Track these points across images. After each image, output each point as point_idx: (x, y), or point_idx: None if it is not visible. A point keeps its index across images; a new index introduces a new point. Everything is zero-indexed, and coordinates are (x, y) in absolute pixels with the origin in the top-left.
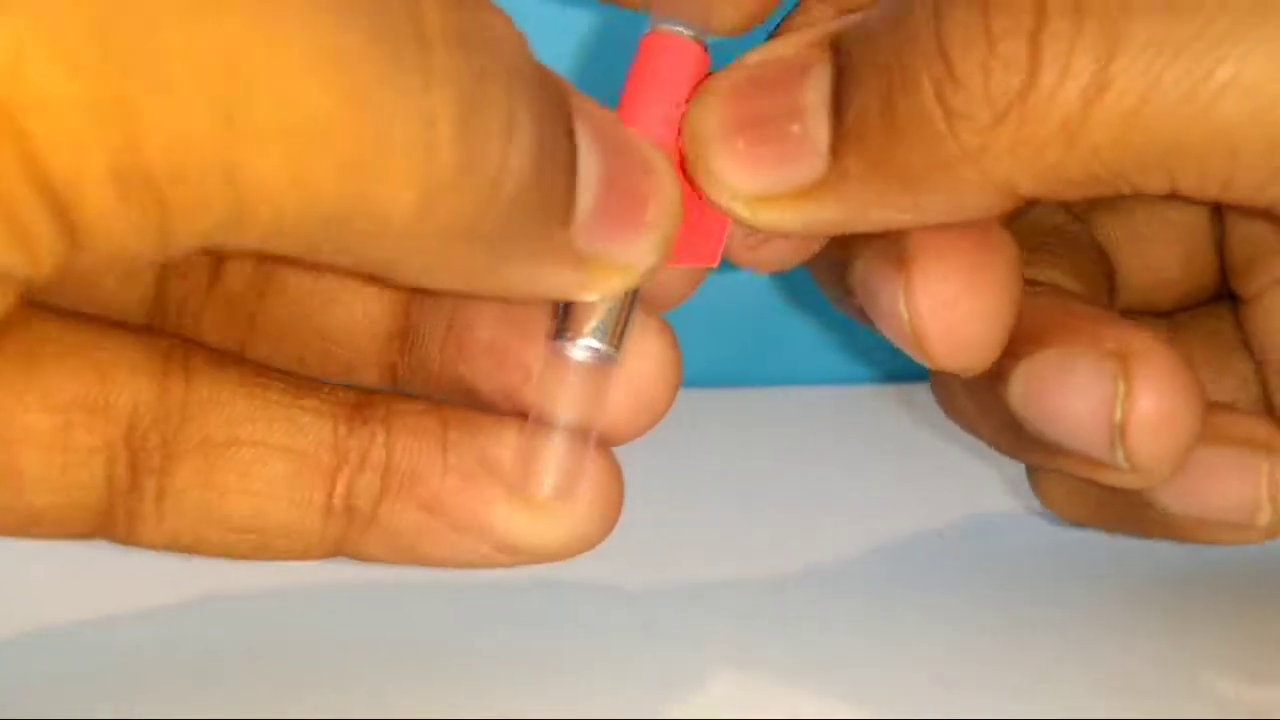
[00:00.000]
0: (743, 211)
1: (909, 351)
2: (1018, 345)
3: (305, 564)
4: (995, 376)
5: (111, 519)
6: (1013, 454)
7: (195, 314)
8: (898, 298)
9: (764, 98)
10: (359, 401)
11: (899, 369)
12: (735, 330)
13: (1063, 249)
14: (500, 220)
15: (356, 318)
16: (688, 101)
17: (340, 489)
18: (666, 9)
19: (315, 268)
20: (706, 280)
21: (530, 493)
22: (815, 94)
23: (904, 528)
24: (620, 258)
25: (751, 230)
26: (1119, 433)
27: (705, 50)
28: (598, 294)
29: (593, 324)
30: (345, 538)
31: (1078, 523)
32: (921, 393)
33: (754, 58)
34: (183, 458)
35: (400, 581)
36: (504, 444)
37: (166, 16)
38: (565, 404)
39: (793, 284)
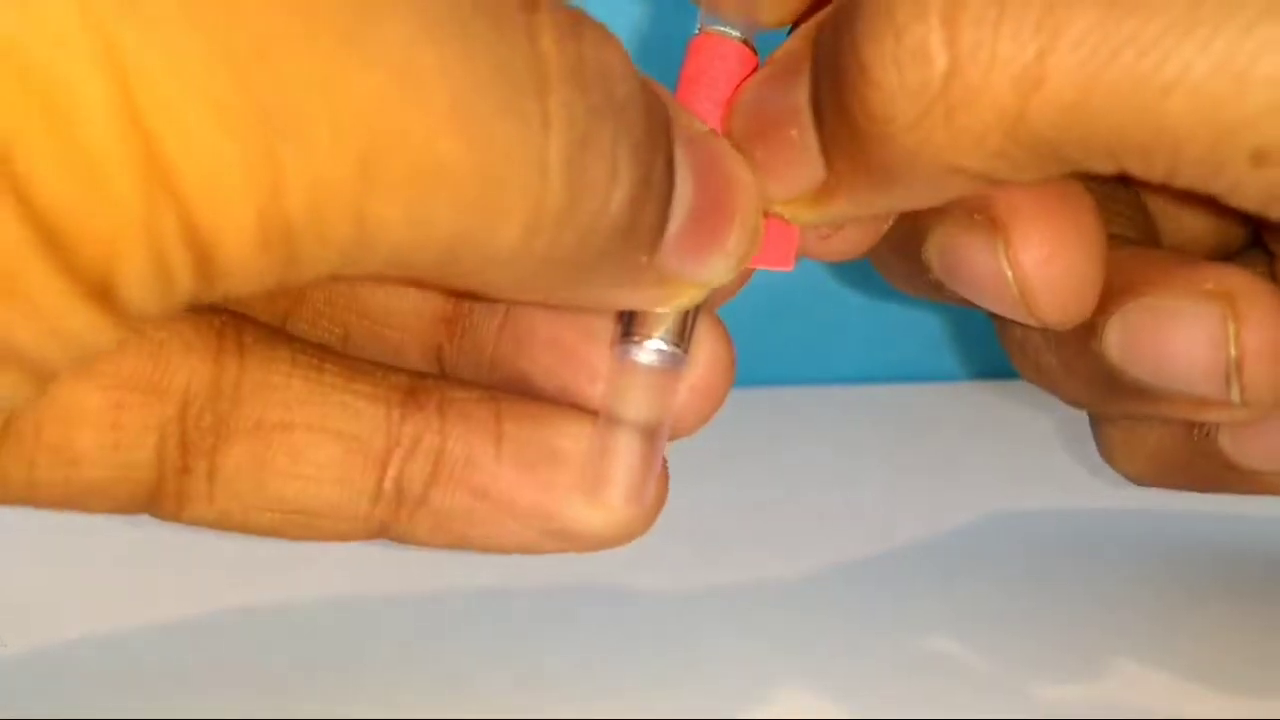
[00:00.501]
0: (784, 213)
1: (1011, 311)
2: (1107, 297)
3: (305, 570)
4: (1087, 330)
5: (162, 496)
6: (1102, 407)
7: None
8: (998, 259)
9: (771, 100)
10: (413, 387)
11: (904, 370)
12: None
13: (1117, 205)
14: (592, 250)
15: (406, 299)
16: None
17: (392, 473)
18: (712, 5)
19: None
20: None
21: (604, 497)
22: (803, 95)
23: (913, 527)
24: (700, 276)
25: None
26: (1235, 368)
27: (752, 49)
28: (672, 307)
29: (661, 327)
30: (393, 521)
31: (1148, 482)
32: (928, 393)
33: (775, 53)
34: (236, 439)
35: (401, 582)
36: (561, 434)
37: (314, 74)
38: (636, 407)
39: (798, 284)
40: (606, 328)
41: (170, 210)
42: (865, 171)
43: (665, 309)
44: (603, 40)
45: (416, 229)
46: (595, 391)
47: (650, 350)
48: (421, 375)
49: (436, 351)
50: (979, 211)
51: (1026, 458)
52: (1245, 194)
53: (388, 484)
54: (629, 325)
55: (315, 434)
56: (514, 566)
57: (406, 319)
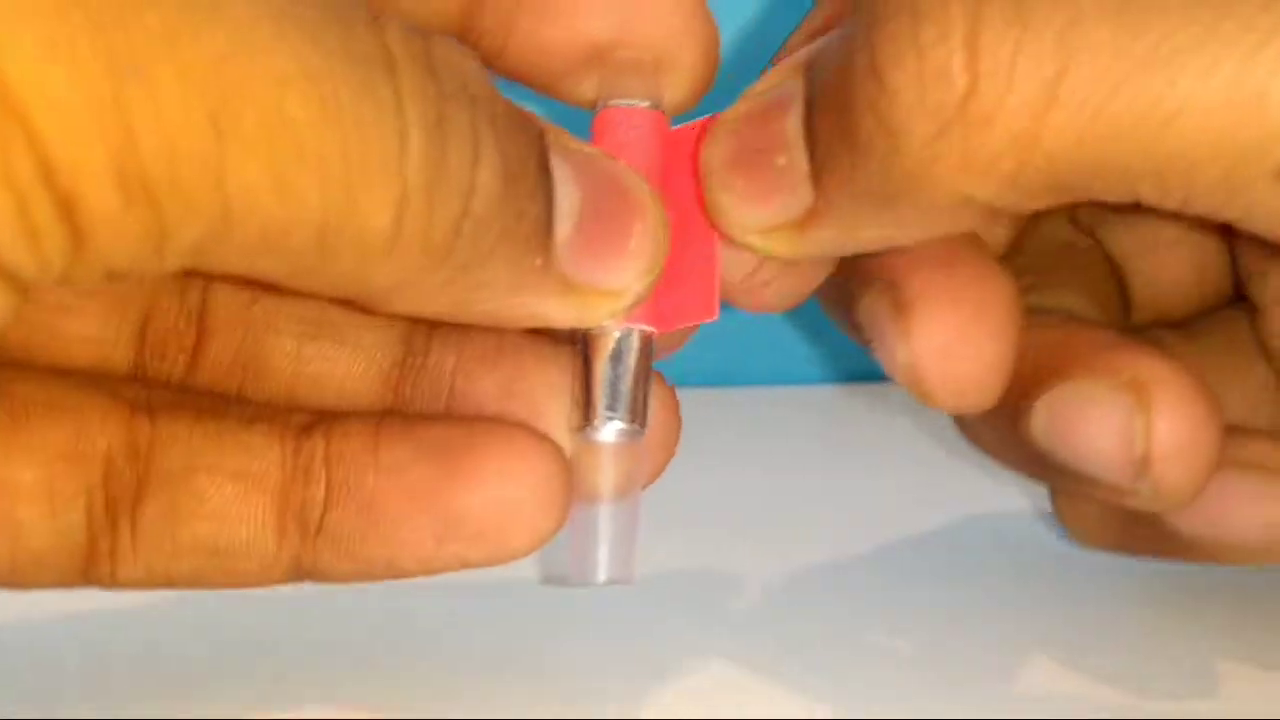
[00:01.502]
0: (757, 244)
1: (912, 394)
2: (1037, 377)
3: None
4: (1016, 410)
5: (95, 558)
6: (1039, 480)
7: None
8: (897, 344)
9: (754, 131)
10: (309, 423)
11: None
12: (730, 330)
13: (1073, 268)
14: (475, 241)
15: (344, 397)
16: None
17: (291, 504)
18: (618, 91)
19: (302, 295)
20: None
21: (591, 575)
22: (794, 123)
23: (901, 529)
24: (606, 284)
25: (763, 263)
26: (1142, 463)
27: (664, 113)
28: (589, 321)
29: (615, 402)
30: (301, 553)
31: (1101, 548)
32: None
33: (751, 89)
34: (151, 492)
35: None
36: (432, 432)
37: (158, 29)
38: (604, 487)
39: None
40: (551, 385)
41: (25, 148)
42: (862, 196)
43: (584, 323)
44: (453, 46)
45: (284, 203)
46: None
47: (609, 430)
48: (321, 412)
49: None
50: (891, 289)
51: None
52: (1266, 215)
53: (289, 515)
54: (586, 408)
55: (215, 475)
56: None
57: (342, 407)
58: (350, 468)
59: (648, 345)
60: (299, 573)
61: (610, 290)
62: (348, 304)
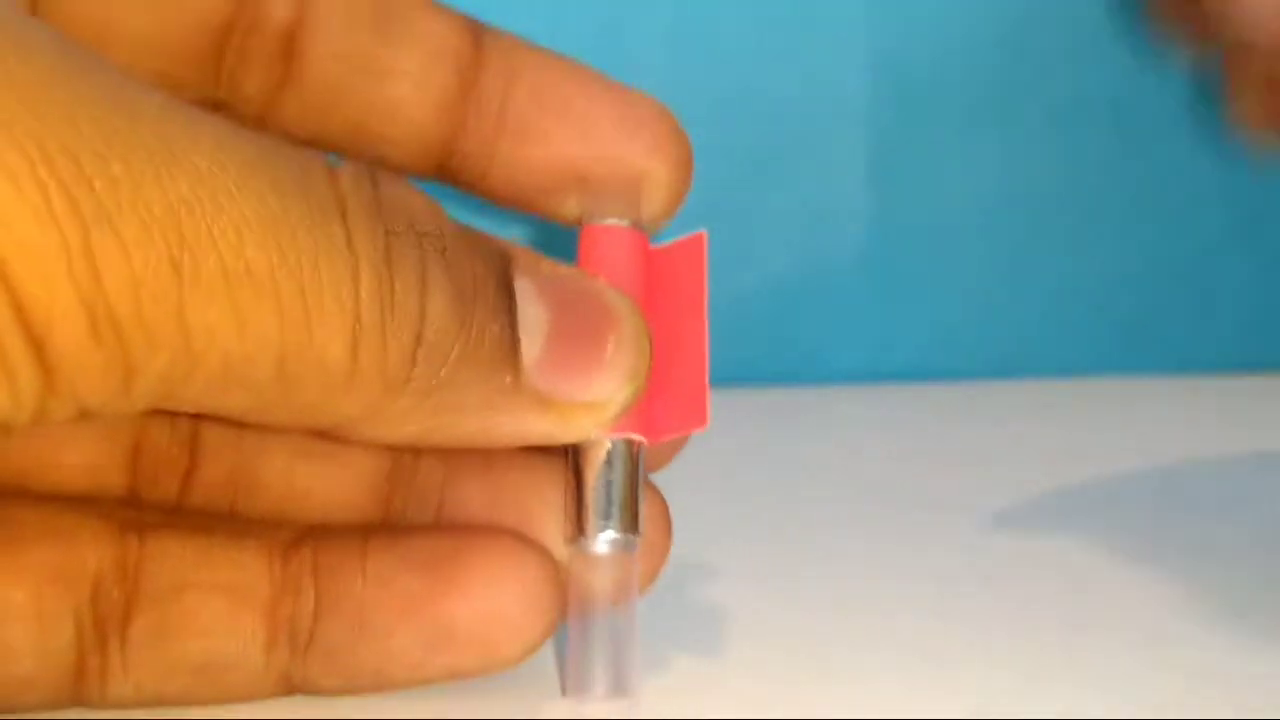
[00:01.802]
0: None
1: None
2: None
3: None
4: None
5: (85, 677)
6: (1207, 50)
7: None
8: None
9: None
10: (296, 537)
11: (899, 369)
12: (734, 329)
13: None
14: (432, 366)
15: (335, 512)
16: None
17: (280, 619)
18: (599, 210)
19: (272, 429)
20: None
21: (585, 692)
22: None
23: (903, 528)
24: (585, 396)
25: None
26: None
27: (643, 232)
28: (573, 435)
29: (607, 512)
30: (292, 667)
31: (1264, 128)
32: (922, 394)
33: None
34: (141, 609)
35: None
36: (419, 544)
37: (123, 179)
38: (600, 598)
39: (791, 283)
40: (543, 502)
41: (1, 289)
42: None
43: (567, 438)
44: (403, 185)
45: (243, 338)
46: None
47: (603, 541)
48: (310, 527)
49: None
50: None
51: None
52: None
53: (278, 629)
54: (578, 521)
55: (204, 591)
56: None
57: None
58: (338, 579)
59: (637, 454)
60: (289, 687)
61: (590, 403)
62: (323, 436)
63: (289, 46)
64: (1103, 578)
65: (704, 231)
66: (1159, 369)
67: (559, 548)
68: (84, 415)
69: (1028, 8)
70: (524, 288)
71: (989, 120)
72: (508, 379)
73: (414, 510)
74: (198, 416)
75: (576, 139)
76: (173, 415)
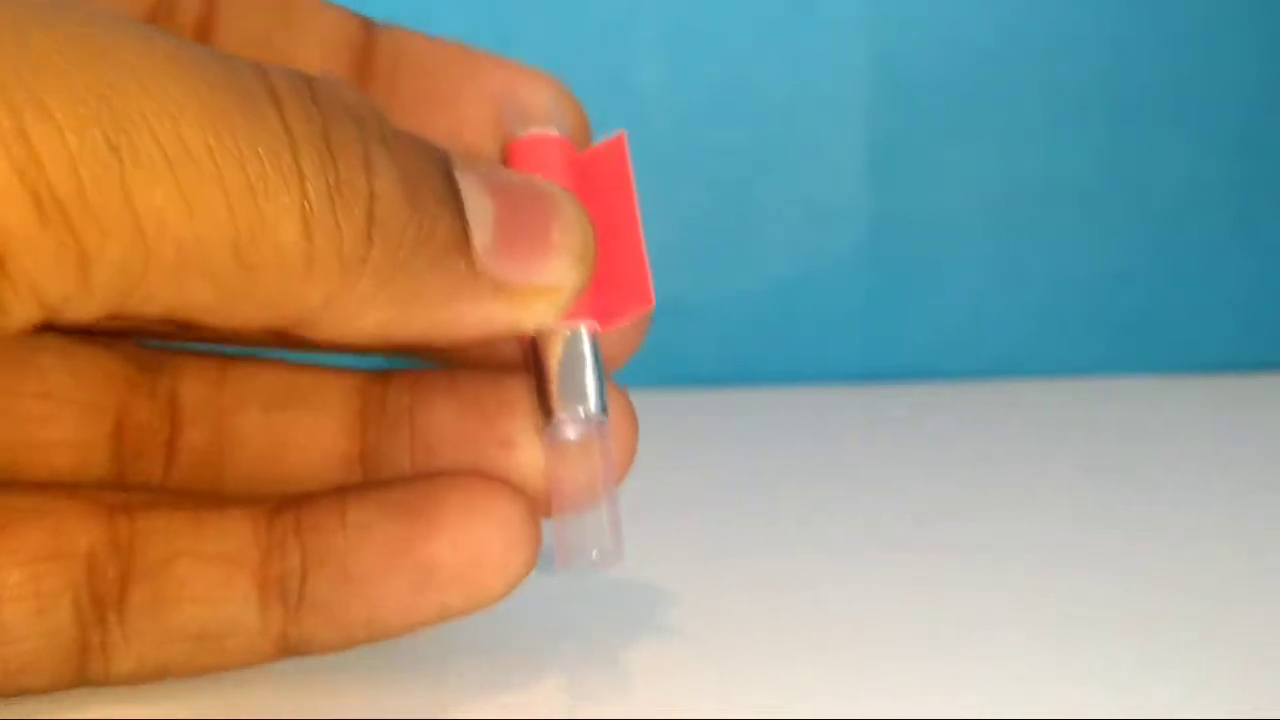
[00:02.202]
0: None
1: None
2: None
3: None
4: None
5: (88, 655)
6: None
7: (158, 486)
8: None
9: None
10: (280, 504)
11: (898, 369)
12: (735, 329)
13: None
14: (389, 248)
15: (314, 457)
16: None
17: (271, 580)
18: (519, 124)
19: (238, 332)
20: (704, 280)
21: (576, 562)
22: None
23: (903, 527)
24: (539, 280)
25: None
26: None
27: (571, 143)
28: (532, 320)
29: (572, 394)
30: (287, 626)
31: None
32: (922, 393)
33: None
34: (135, 582)
35: None
36: (396, 494)
37: (45, 63)
38: (578, 479)
39: (791, 283)
40: (506, 403)
41: None
42: None
43: (527, 325)
44: (335, 81)
45: (194, 220)
46: (514, 461)
47: (569, 421)
48: (292, 495)
49: None
50: None
51: (1001, 461)
52: None
53: (270, 590)
54: (545, 404)
55: (195, 560)
56: None
57: (325, 475)
58: (321, 535)
59: (595, 340)
60: (287, 647)
61: (545, 286)
62: (292, 338)
63: (200, 38)
64: (1103, 577)
65: (624, 131)
66: (1159, 369)
67: (531, 453)
68: (49, 315)
69: (1027, 8)
70: (467, 179)
71: (989, 120)
72: (462, 264)
73: (387, 441)
74: (175, 385)
75: (474, 97)
76: (151, 387)
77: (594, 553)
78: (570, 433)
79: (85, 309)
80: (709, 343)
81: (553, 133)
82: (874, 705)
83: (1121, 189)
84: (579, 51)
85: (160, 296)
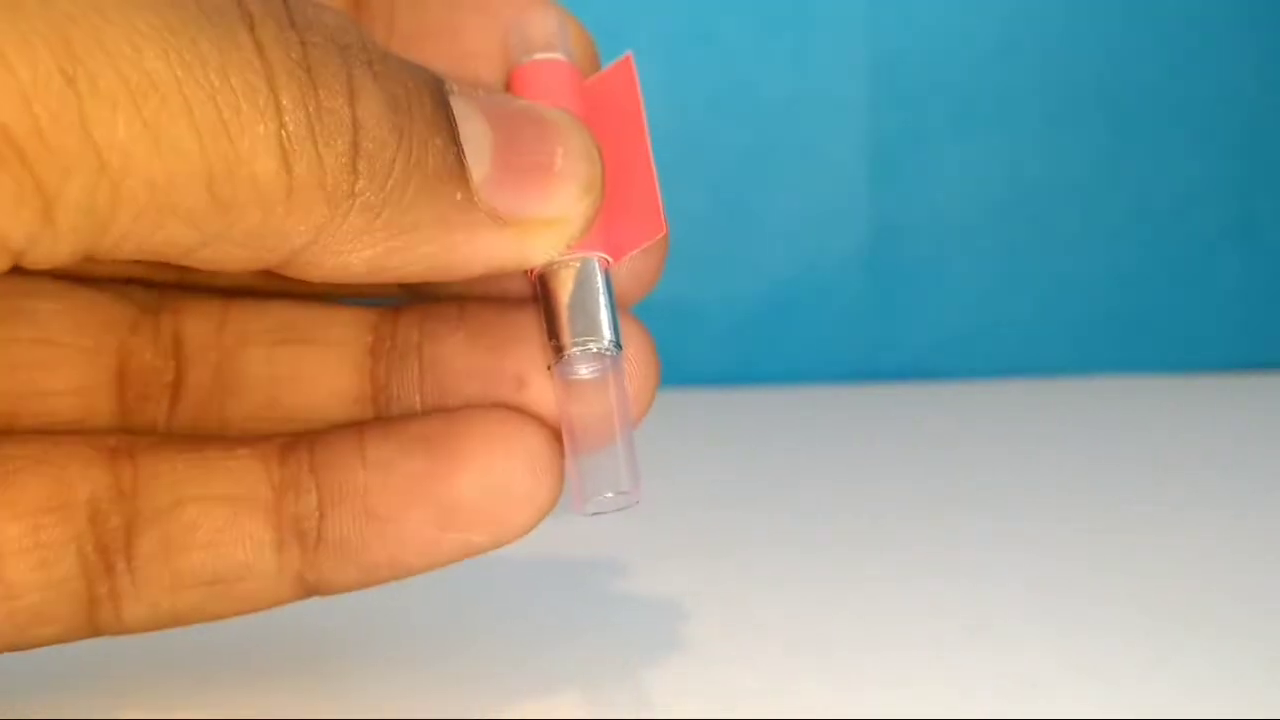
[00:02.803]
0: None
1: None
2: None
3: None
4: None
5: (97, 605)
6: None
7: (164, 430)
8: None
9: None
10: (291, 441)
11: (898, 369)
12: (735, 329)
13: None
14: (377, 179)
15: (321, 396)
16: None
17: (285, 520)
18: (525, 49)
19: (227, 270)
20: (704, 281)
21: (593, 501)
22: None
23: (903, 527)
24: (544, 211)
25: None
26: None
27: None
28: (537, 254)
29: (585, 327)
30: (304, 567)
31: None
32: (920, 393)
33: None
34: (142, 529)
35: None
36: (416, 429)
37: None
38: (595, 418)
39: (791, 283)
40: (517, 337)
41: None
42: None
43: (534, 257)
44: (313, 4)
45: (162, 154)
46: (526, 397)
47: (581, 355)
48: (300, 432)
49: None
50: None
51: (1003, 459)
52: None
53: (285, 530)
54: (554, 341)
55: (204, 503)
56: (512, 566)
57: (332, 414)
58: (339, 472)
59: (606, 272)
60: (305, 588)
61: (550, 219)
62: (283, 274)
63: None
64: (1103, 576)
65: (630, 53)
66: (1158, 368)
67: (543, 391)
68: (15, 259)
69: (1027, 8)
70: (461, 105)
71: (989, 120)
72: (458, 195)
73: (397, 378)
74: (178, 325)
75: (478, 27)
76: (154, 329)
77: (610, 493)
78: (583, 369)
79: (54, 252)
80: (709, 343)
81: (559, 57)
82: (875, 705)
83: (1121, 189)
84: None
85: (134, 237)
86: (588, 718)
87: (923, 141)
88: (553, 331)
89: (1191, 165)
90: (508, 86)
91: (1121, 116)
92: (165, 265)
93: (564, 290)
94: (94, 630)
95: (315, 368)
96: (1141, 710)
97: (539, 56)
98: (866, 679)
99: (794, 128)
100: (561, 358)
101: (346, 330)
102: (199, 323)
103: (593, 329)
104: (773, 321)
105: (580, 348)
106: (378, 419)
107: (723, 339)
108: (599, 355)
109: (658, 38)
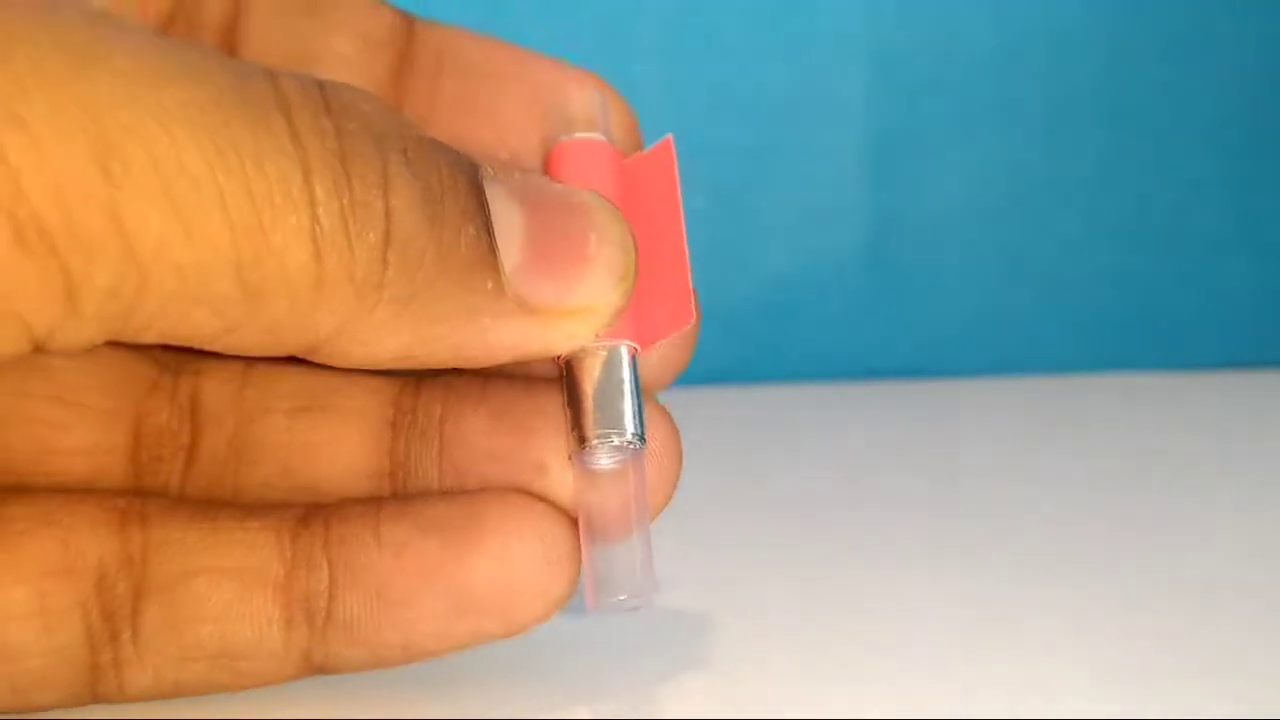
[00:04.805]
0: None
1: None
2: None
3: None
4: None
5: (100, 672)
6: None
7: (177, 494)
8: None
9: None
10: (306, 515)
11: (898, 368)
12: (735, 328)
13: None
14: (406, 270)
15: (338, 468)
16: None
17: (295, 596)
18: (566, 127)
19: (249, 354)
20: (703, 279)
21: (604, 603)
22: None
23: (902, 527)
24: (574, 300)
25: None
26: None
27: (615, 146)
28: (566, 344)
29: (607, 421)
30: (312, 645)
31: None
32: (920, 391)
33: None
34: (149, 597)
35: None
36: (433, 512)
37: (29, 75)
38: (613, 511)
39: (791, 283)
40: (540, 420)
41: None
42: None
43: (560, 345)
44: (351, 88)
45: (193, 244)
46: (547, 483)
47: (605, 448)
48: (316, 504)
49: None
50: None
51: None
52: None
53: (294, 609)
54: (578, 430)
55: (214, 575)
56: None
57: (344, 485)
58: (352, 550)
59: (633, 361)
60: (311, 667)
61: (580, 307)
62: (310, 362)
63: (227, 39)
64: (1103, 574)
65: (670, 135)
66: (1159, 366)
67: (564, 478)
68: (38, 345)
69: (1027, 8)
70: (495, 191)
71: (989, 120)
72: (489, 284)
73: (416, 454)
74: (196, 386)
75: (519, 99)
76: (172, 389)
77: (624, 594)
78: (604, 461)
79: (77, 337)
80: (709, 342)
81: (598, 138)
82: (873, 705)
83: (1121, 189)
84: (579, 51)
85: (159, 325)
86: (588, 718)
87: (923, 140)
88: (576, 421)
89: (1192, 164)
90: (546, 164)
91: (1122, 116)
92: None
93: (589, 379)
94: (94, 697)
95: (333, 437)
96: (1143, 711)
97: (579, 136)
98: (866, 677)
99: (793, 126)
100: (584, 448)
101: (368, 400)
102: (218, 385)
103: (616, 421)
104: (772, 320)
105: (603, 440)
106: (396, 497)
107: (722, 337)
108: (620, 448)
109: (658, 37)
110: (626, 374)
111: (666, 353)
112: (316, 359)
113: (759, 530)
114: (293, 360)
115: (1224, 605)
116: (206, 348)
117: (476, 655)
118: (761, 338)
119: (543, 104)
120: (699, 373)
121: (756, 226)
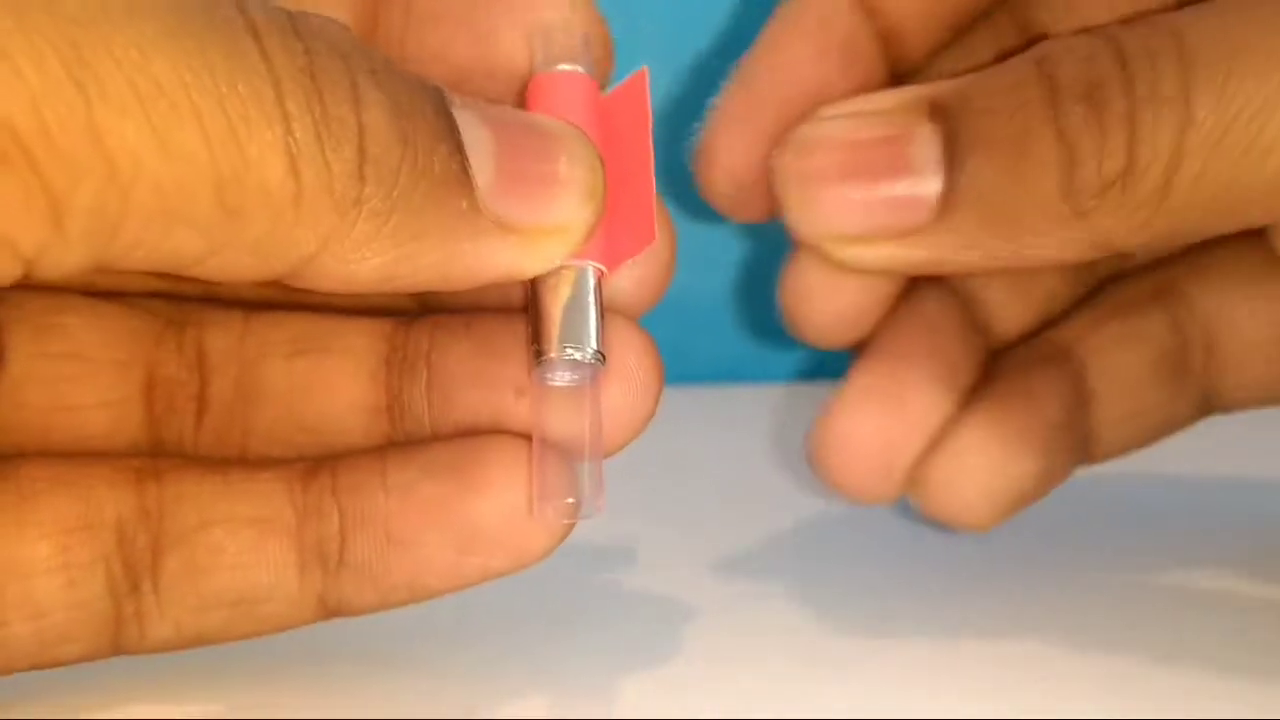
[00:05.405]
0: (833, 250)
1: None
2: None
3: None
4: None
5: (122, 624)
6: None
7: (191, 448)
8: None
9: (872, 151)
10: (314, 466)
11: None
12: (731, 330)
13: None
14: (383, 185)
15: (339, 406)
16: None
17: (308, 543)
18: (546, 59)
19: (236, 281)
20: (703, 278)
21: (546, 517)
22: (924, 152)
23: (902, 526)
24: (547, 219)
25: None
26: None
27: (595, 80)
28: (541, 262)
29: (566, 334)
30: (326, 589)
31: None
32: None
33: (849, 109)
34: (168, 550)
35: None
36: (439, 454)
37: (6, 6)
38: (562, 424)
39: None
40: (519, 347)
41: None
42: (992, 227)
43: (536, 266)
44: (318, 16)
45: (170, 159)
46: (523, 405)
47: (563, 362)
48: (325, 456)
49: (387, 442)
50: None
51: None
52: None
53: (307, 554)
54: (537, 344)
55: (229, 525)
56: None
57: (348, 424)
58: (361, 495)
59: (598, 281)
60: (325, 610)
61: (552, 225)
62: (294, 287)
63: None
64: (1103, 574)
65: (645, 68)
66: None
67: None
68: (29, 271)
69: None
70: (464, 116)
71: None
72: (463, 203)
73: (407, 386)
74: (201, 339)
75: (505, 21)
76: (178, 343)
77: (570, 502)
78: (564, 376)
79: (64, 260)
80: (708, 339)
81: (578, 70)
82: (871, 705)
83: None
84: None
85: (143, 245)
86: (590, 718)
87: None
88: (537, 336)
89: None
90: (525, 95)
91: None
92: (186, 279)
93: (554, 297)
94: (117, 649)
95: (332, 376)
96: (1145, 708)
97: (560, 68)
98: (865, 677)
99: None
100: (542, 361)
101: (362, 339)
102: (221, 335)
103: (578, 336)
104: (772, 321)
105: (564, 354)
106: (402, 443)
107: (722, 336)
108: (580, 364)
109: (657, 36)
110: (591, 293)
111: (640, 273)
112: (300, 282)
113: (758, 529)
114: (290, 308)
115: (1225, 605)
116: (193, 272)
117: (477, 654)
118: (761, 339)
119: (519, 20)
120: (699, 371)
121: (756, 226)
